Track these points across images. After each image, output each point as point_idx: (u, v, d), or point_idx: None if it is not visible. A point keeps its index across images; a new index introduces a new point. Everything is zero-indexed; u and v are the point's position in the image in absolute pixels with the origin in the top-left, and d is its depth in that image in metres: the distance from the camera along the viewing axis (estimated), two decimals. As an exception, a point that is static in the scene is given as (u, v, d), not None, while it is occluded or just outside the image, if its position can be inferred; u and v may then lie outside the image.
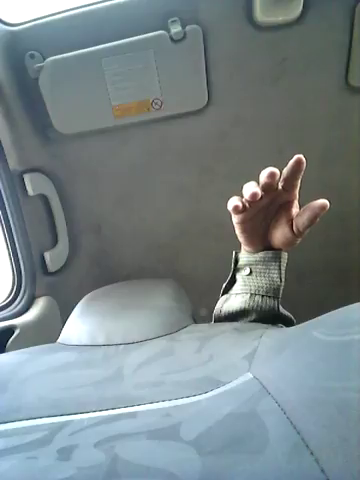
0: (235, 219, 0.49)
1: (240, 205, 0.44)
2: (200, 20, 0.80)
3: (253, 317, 0.51)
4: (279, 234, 0.48)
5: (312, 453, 0.19)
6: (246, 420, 0.23)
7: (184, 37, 0.80)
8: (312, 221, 0.43)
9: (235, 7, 0.80)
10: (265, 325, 0.45)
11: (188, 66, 0.84)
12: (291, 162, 0.43)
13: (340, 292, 1.11)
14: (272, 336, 0.37)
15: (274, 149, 0.96)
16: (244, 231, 0.49)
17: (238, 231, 0.50)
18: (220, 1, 0.80)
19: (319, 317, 0.32)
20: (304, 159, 0.43)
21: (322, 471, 0.18)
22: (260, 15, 0.78)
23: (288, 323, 0.52)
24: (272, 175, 0.42)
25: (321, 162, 0.99)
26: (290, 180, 0.45)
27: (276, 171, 0.42)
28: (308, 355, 0.27)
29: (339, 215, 1.01)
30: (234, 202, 0.45)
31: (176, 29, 0.79)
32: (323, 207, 0.42)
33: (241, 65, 0.86)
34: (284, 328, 0.47)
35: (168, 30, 0.80)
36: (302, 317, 0.39)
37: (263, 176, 0.43)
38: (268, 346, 0.34)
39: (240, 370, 0.31)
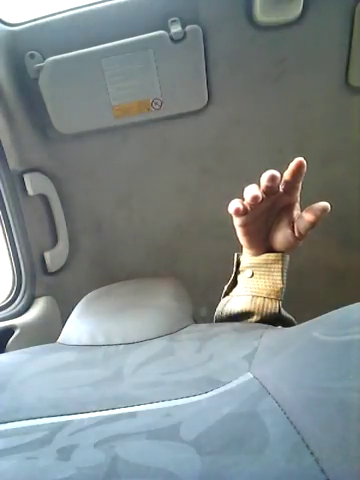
0: (236, 222, 0.48)
1: (241, 208, 0.44)
2: (200, 20, 0.80)
3: (254, 319, 0.51)
4: (281, 237, 0.48)
5: (312, 453, 0.19)
6: (246, 420, 0.23)
7: (184, 37, 0.80)
8: (313, 224, 0.43)
9: (235, 7, 0.80)
10: (265, 325, 0.45)
11: (188, 66, 0.84)
12: (292, 165, 0.43)
13: (340, 292, 1.11)
14: (272, 336, 0.37)
15: (274, 149, 0.96)
16: (246, 234, 0.49)
17: (240, 234, 0.50)
18: (220, 1, 0.80)
19: (319, 317, 0.32)
20: (305, 162, 0.42)
21: (322, 471, 0.18)
22: (260, 15, 0.78)
23: (289, 325, 0.52)
24: (273, 178, 0.42)
25: (321, 162, 0.99)
26: (291, 183, 0.44)
27: (277, 174, 0.42)
28: (308, 355, 0.27)
29: (339, 215, 1.01)
30: (235, 205, 0.44)
31: (176, 29, 0.79)
32: (324, 210, 0.42)
33: (241, 65, 0.86)
34: (284, 328, 0.47)
35: (168, 30, 0.80)
36: (302, 317, 0.39)
37: (264, 179, 0.43)
38: (268, 346, 0.34)
39: (240, 370, 0.31)
